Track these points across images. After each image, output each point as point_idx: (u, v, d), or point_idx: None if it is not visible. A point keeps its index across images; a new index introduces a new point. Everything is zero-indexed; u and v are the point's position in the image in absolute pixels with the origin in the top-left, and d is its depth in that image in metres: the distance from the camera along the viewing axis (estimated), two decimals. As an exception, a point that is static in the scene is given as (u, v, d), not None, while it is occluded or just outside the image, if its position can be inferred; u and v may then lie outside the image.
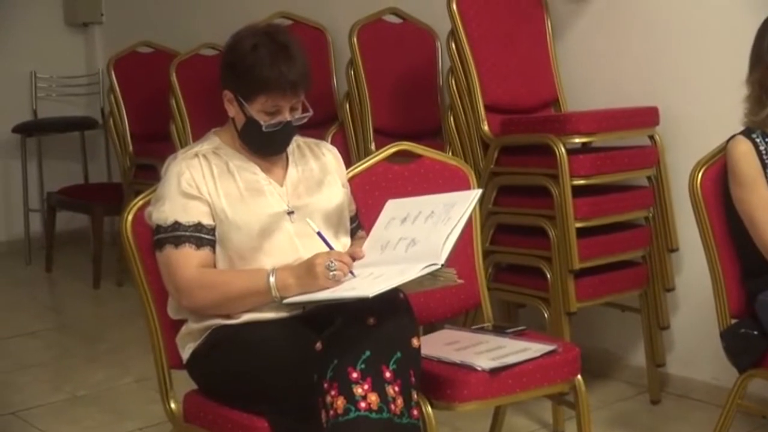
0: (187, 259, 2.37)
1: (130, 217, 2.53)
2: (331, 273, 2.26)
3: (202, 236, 2.39)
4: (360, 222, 2.66)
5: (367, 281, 2.27)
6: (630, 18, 3.73)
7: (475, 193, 2.43)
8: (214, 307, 2.39)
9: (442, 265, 2.25)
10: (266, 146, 2.49)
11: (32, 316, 5.09)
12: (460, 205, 2.37)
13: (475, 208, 2.44)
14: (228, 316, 2.40)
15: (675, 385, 3.73)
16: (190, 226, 2.38)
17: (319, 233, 2.38)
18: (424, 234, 2.33)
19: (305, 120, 2.48)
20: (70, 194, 5.77)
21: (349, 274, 2.30)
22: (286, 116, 2.43)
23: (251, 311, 2.39)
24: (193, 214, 2.39)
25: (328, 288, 2.28)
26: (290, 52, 2.42)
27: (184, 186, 2.40)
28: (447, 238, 2.28)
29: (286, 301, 2.32)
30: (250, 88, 2.41)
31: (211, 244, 2.41)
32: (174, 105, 4.77)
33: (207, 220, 2.40)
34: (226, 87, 2.47)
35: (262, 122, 2.42)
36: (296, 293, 2.31)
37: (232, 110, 2.48)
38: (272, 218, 2.43)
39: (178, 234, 2.38)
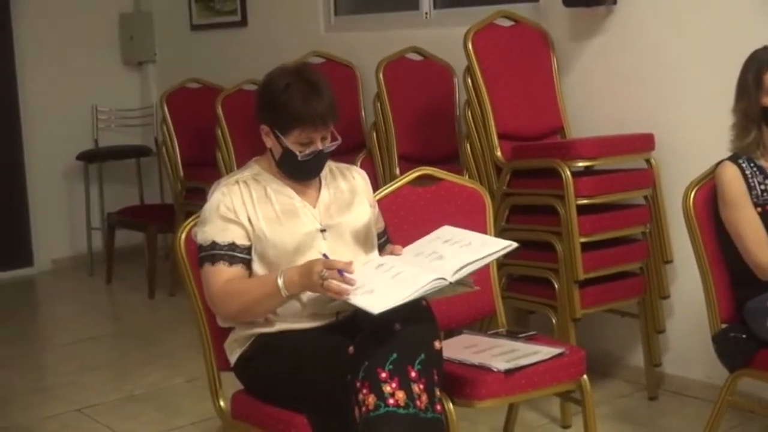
0: (218, 275, 2.38)
1: (183, 236, 2.56)
2: (322, 281, 2.23)
3: (235, 254, 2.39)
4: (389, 237, 2.66)
5: (385, 286, 2.25)
6: (626, 54, 3.73)
7: (509, 244, 2.40)
8: (241, 314, 2.40)
9: (451, 283, 2.25)
10: (302, 173, 2.49)
11: (94, 322, 5.11)
12: (493, 247, 2.38)
13: (501, 252, 2.41)
14: (270, 325, 2.41)
15: (670, 383, 3.71)
16: (225, 246, 2.39)
17: (324, 255, 2.34)
18: (452, 255, 2.34)
19: (335, 147, 2.49)
20: (127, 214, 5.79)
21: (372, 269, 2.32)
22: (318, 146, 2.43)
23: (292, 321, 2.40)
24: (228, 235, 2.40)
25: (322, 289, 2.25)
26: (319, 89, 2.43)
27: (223, 210, 2.41)
28: (467, 265, 2.28)
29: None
30: (286, 123, 2.42)
31: (244, 261, 2.41)
32: (220, 134, 4.79)
33: (241, 241, 2.41)
34: (263, 121, 2.48)
35: (297, 152, 2.43)
36: (300, 289, 2.30)
37: (269, 142, 2.48)
38: (306, 236, 2.43)
39: (214, 252, 2.40)
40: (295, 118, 2.40)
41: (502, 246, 2.39)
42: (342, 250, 2.43)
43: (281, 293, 2.31)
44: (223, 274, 2.38)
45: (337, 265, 2.25)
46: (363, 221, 2.55)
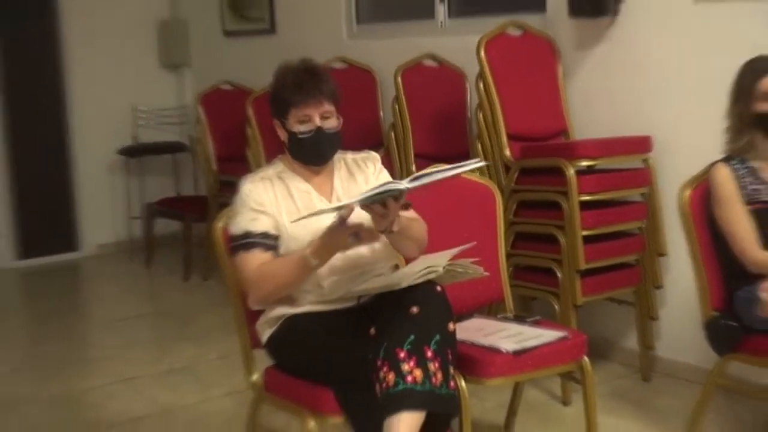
0: (253, 260, 2.35)
1: (220, 225, 2.56)
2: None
3: (268, 242, 2.38)
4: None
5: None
6: (626, 62, 3.72)
7: (476, 161, 2.25)
8: (276, 292, 2.36)
9: (407, 188, 2.12)
10: (309, 155, 2.45)
11: (135, 303, 5.15)
12: (460, 165, 2.26)
13: (466, 168, 2.24)
14: (298, 307, 2.40)
15: (663, 365, 3.70)
16: (258, 234, 2.37)
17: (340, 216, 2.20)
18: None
19: (338, 127, 2.44)
20: (164, 205, 5.82)
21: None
22: (317, 122, 2.39)
23: (318, 305, 2.39)
24: (260, 225, 2.38)
25: (343, 241, 2.21)
26: (312, 72, 2.41)
27: (252, 204, 2.40)
28: (424, 175, 2.16)
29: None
30: (284, 107, 2.41)
31: (275, 248, 2.39)
32: (250, 133, 4.79)
33: (272, 231, 2.39)
34: (273, 116, 2.47)
35: (297, 132, 2.41)
36: (325, 250, 2.24)
37: (281, 134, 2.46)
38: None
39: (248, 241, 2.37)
40: (289, 99, 2.39)
41: (470, 162, 2.24)
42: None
43: (308, 262, 2.25)
44: (257, 259, 2.35)
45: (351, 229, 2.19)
46: None
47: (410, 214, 2.43)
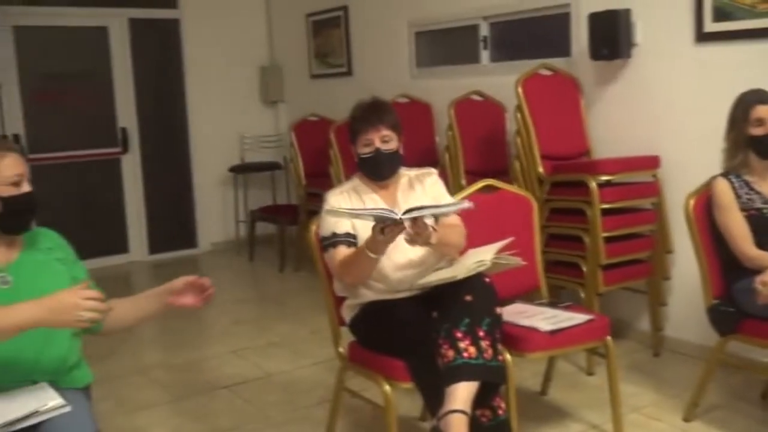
0: (339, 255, 2.36)
1: (313, 228, 2.56)
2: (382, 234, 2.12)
3: (350, 240, 2.38)
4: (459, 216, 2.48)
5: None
6: (637, 95, 3.63)
7: (461, 203, 2.19)
8: (358, 277, 2.33)
9: (400, 219, 2.06)
10: (373, 172, 2.43)
11: (241, 289, 5.19)
12: (449, 204, 2.28)
13: (455, 210, 2.22)
14: (375, 295, 2.39)
15: (670, 343, 3.60)
16: (342, 234, 2.38)
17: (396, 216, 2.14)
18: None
19: (397, 149, 2.40)
20: (264, 211, 5.85)
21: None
22: (376, 144, 2.38)
23: (390, 294, 2.37)
24: (342, 227, 2.39)
25: (377, 236, 2.13)
26: (375, 106, 2.41)
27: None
28: (417, 208, 2.10)
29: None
30: (353, 134, 2.42)
31: (355, 245, 2.38)
32: (332, 154, 4.81)
33: (351, 231, 2.39)
34: (351, 143, 2.47)
35: (362, 153, 2.40)
36: (372, 245, 2.18)
37: (354, 156, 2.46)
38: None
39: (335, 240, 2.38)
40: (356, 128, 2.40)
41: (456, 205, 2.19)
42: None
43: (367, 252, 2.22)
44: (342, 253, 2.36)
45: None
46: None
47: (452, 220, 2.43)
